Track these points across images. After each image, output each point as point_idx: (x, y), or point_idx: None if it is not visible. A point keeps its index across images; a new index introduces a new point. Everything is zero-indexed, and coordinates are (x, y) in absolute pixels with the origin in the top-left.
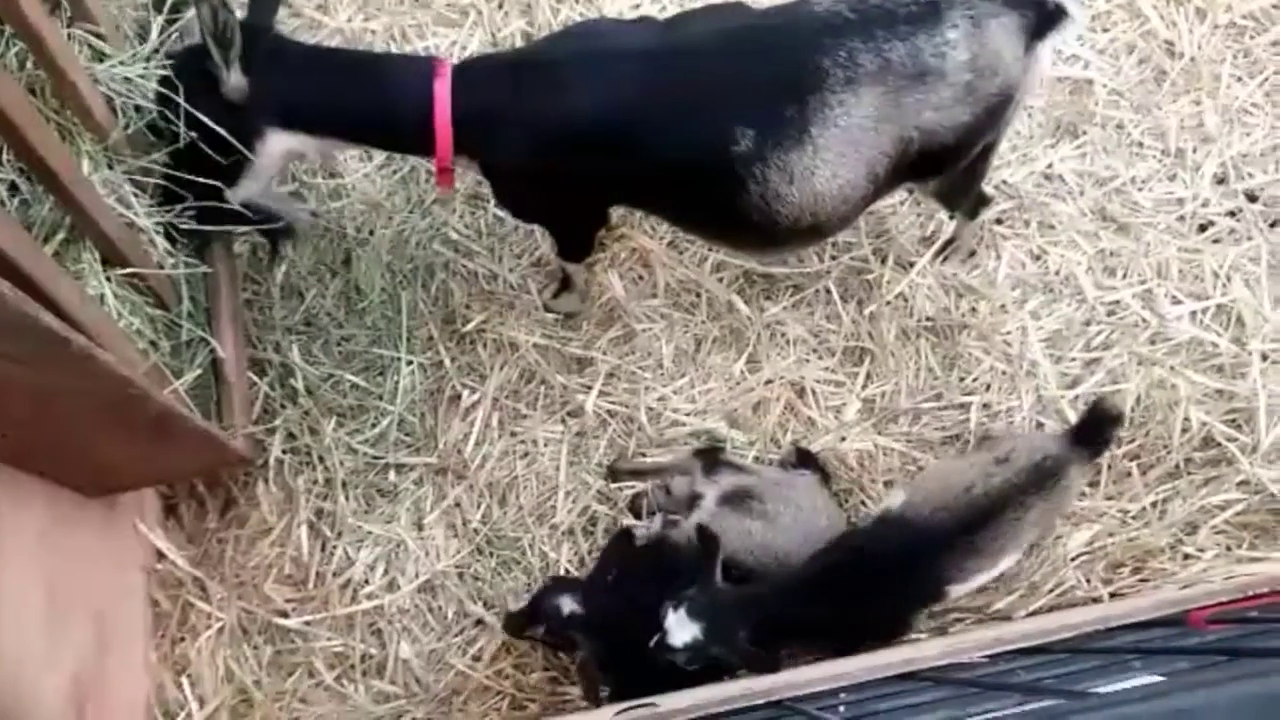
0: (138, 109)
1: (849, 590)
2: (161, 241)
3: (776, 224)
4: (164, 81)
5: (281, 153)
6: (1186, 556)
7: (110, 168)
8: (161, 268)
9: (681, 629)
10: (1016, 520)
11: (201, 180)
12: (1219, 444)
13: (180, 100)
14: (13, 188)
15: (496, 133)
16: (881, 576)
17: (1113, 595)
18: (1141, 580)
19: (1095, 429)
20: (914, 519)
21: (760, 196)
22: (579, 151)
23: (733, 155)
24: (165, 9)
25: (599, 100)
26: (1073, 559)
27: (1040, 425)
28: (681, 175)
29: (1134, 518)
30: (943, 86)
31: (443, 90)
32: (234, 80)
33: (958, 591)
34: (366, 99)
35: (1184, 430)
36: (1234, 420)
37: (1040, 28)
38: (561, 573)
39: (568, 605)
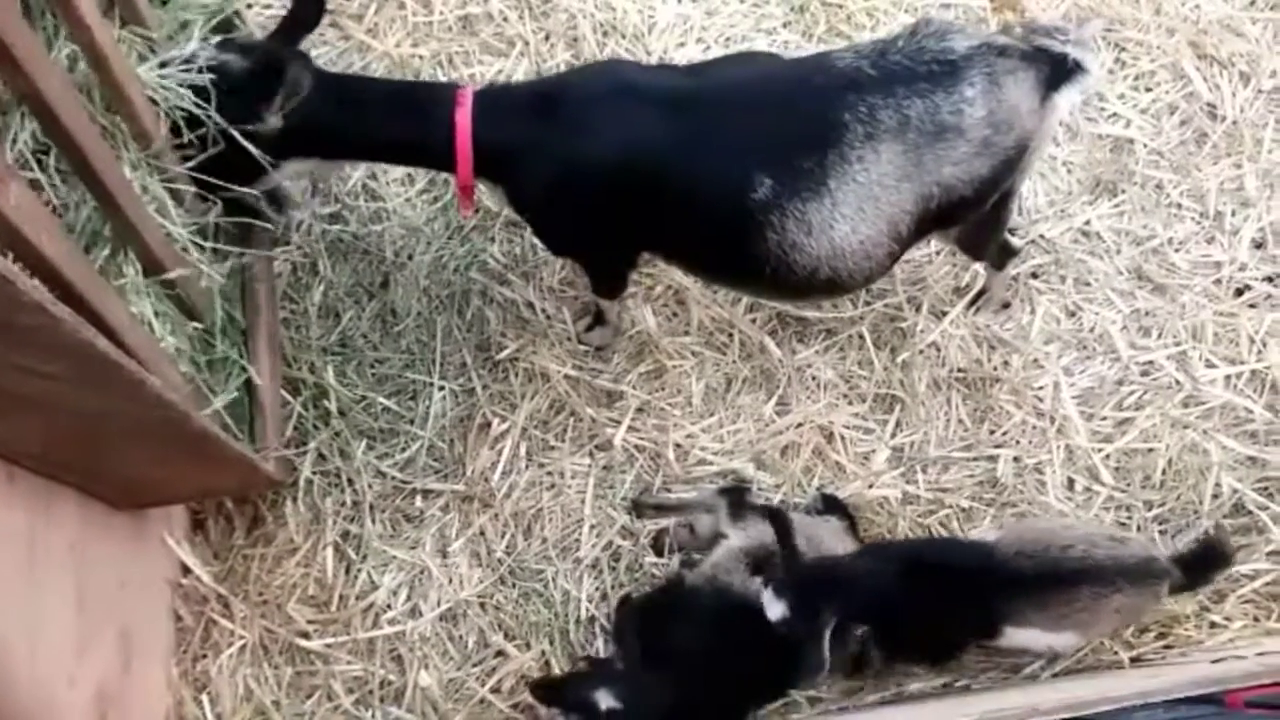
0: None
1: (919, 594)
2: (196, 252)
3: (794, 273)
4: (200, 91)
5: (291, 173)
6: (1213, 625)
7: (151, 175)
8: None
9: (773, 605)
10: (1097, 597)
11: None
12: (1250, 512)
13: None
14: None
15: (518, 161)
16: (948, 590)
17: (1137, 659)
18: (1166, 646)
19: (1204, 565)
20: (997, 553)
21: (778, 245)
22: (596, 184)
23: (751, 202)
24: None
25: (620, 137)
26: None
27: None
28: (700, 218)
29: None
30: (961, 143)
31: (464, 120)
32: (271, 123)
33: (1011, 636)
34: (387, 130)
35: (1214, 496)
36: (1266, 489)
37: (1056, 79)
38: (582, 609)
39: (605, 700)
